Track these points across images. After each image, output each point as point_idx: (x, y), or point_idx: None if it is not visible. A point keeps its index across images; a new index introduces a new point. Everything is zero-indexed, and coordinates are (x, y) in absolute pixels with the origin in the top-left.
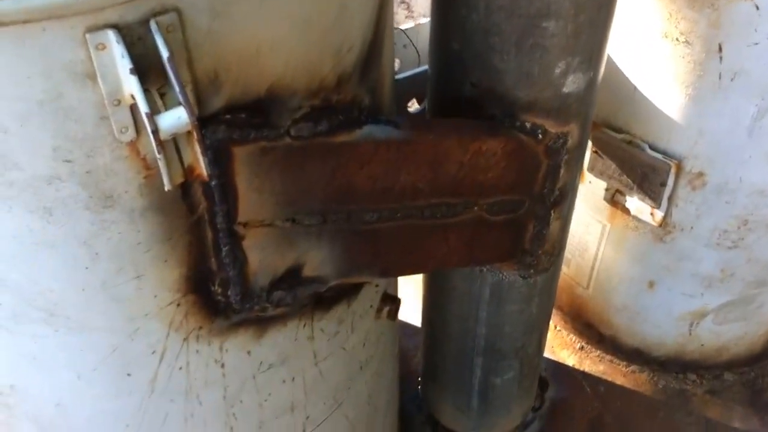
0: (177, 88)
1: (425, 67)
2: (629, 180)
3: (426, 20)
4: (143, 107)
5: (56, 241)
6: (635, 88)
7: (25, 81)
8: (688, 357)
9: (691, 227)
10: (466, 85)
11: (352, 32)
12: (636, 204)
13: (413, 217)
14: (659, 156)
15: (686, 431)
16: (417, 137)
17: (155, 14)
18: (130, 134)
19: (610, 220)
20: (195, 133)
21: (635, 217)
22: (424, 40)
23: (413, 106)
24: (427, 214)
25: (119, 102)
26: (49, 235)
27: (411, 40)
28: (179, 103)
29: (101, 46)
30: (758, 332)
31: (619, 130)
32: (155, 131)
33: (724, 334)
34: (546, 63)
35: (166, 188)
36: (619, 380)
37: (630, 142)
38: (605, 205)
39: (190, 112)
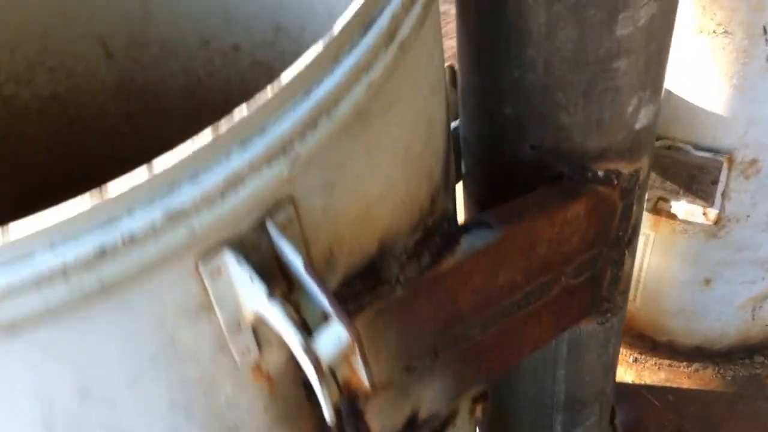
0: (327, 303)
1: None
2: (674, 185)
3: None
4: (297, 340)
5: None
6: (669, 91)
7: (134, 340)
8: (752, 341)
9: (747, 216)
10: (523, 149)
11: (439, 144)
12: (685, 207)
13: (511, 313)
14: (708, 155)
15: None
16: (511, 231)
17: (270, 213)
18: (253, 355)
19: (653, 229)
20: (358, 350)
21: (684, 221)
22: None
23: None
24: (522, 304)
25: (239, 326)
26: None
27: None
28: (324, 315)
29: (216, 272)
30: None
31: (656, 138)
32: (317, 362)
33: None
34: (618, 105)
35: (329, 421)
36: (685, 383)
37: (670, 147)
38: (647, 215)
39: (349, 326)
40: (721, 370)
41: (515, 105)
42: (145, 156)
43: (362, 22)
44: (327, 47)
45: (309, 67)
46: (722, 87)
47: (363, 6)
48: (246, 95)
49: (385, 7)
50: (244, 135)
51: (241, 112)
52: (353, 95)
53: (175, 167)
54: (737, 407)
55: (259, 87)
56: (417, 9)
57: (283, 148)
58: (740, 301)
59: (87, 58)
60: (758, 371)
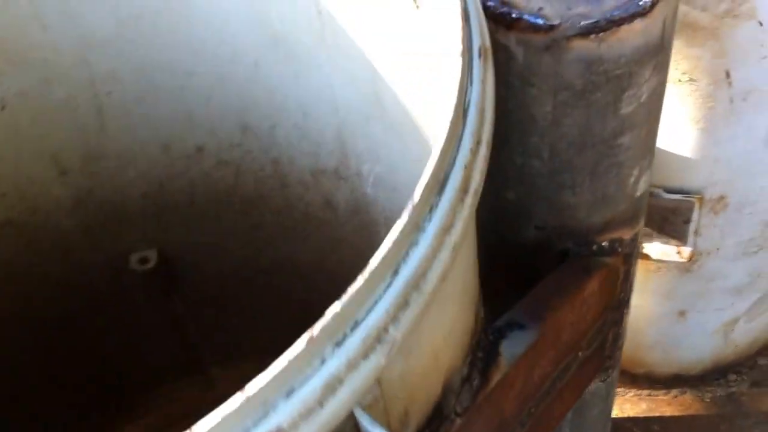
0: None
1: None
2: (647, 229)
3: None
4: None
5: None
6: None
7: None
8: (724, 362)
9: (717, 248)
10: (528, 230)
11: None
12: (659, 248)
13: (542, 402)
14: (679, 197)
15: None
16: (542, 327)
17: (358, 400)
18: None
19: None
20: None
21: (658, 260)
22: None
23: None
24: (551, 390)
25: None
26: None
27: None
28: None
29: None
30: None
31: None
32: None
33: (755, 328)
34: (622, 178)
35: None
36: (667, 411)
37: None
38: None
39: None
40: (699, 393)
41: (518, 190)
42: (105, 273)
43: (438, 179)
44: (410, 216)
45: (395, 244)
46: (689, 131)
47: (439, 160)
48: (213, 194)
49: (456, 158)
50: (337, 333)
51: (334, 308)
52: (440, 262)
53: (268, 386)
54: (719, 428)
55: (226, 186)
56: (483, 151)
57: (378, 336)
58: (713, 327)
59: (40, 179)
60: (733, 389)
